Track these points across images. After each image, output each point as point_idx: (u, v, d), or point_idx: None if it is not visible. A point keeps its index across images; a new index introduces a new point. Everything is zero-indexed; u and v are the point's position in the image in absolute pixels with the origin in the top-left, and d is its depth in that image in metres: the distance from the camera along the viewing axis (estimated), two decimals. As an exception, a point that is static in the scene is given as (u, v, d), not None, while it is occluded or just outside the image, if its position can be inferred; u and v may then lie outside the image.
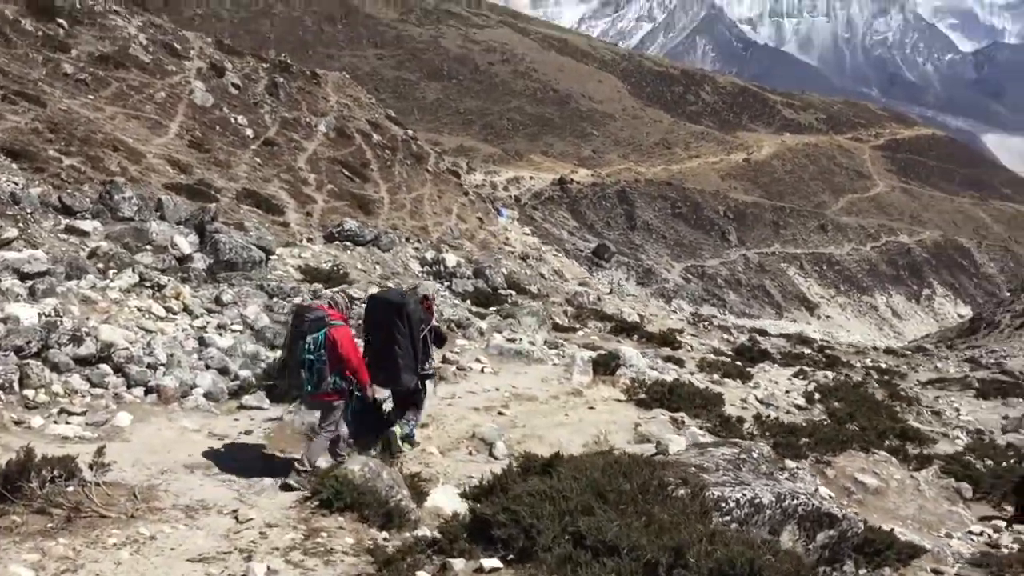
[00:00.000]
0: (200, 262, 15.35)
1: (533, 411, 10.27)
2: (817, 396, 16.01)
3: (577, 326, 22.00)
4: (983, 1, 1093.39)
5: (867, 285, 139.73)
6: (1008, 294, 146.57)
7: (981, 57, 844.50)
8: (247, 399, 10.22)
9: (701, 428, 9.89)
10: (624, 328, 23.61)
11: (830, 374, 20.43)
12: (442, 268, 25.13)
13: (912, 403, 19.84)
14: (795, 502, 6.20)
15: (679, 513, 5.31)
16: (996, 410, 21.99)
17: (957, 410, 20.05)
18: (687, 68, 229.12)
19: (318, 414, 8.50)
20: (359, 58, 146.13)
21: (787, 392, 16.35)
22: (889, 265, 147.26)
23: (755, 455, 7.08)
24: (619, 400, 10.97)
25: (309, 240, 24.39)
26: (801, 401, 15.30)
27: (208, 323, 12.48)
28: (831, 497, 7.21)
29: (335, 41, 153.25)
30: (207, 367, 10.74)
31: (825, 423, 12.79)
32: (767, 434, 10.98)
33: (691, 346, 22.39)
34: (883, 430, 13.53)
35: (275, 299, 14.51)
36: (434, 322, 9.79)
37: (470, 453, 8.76)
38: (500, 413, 9.93)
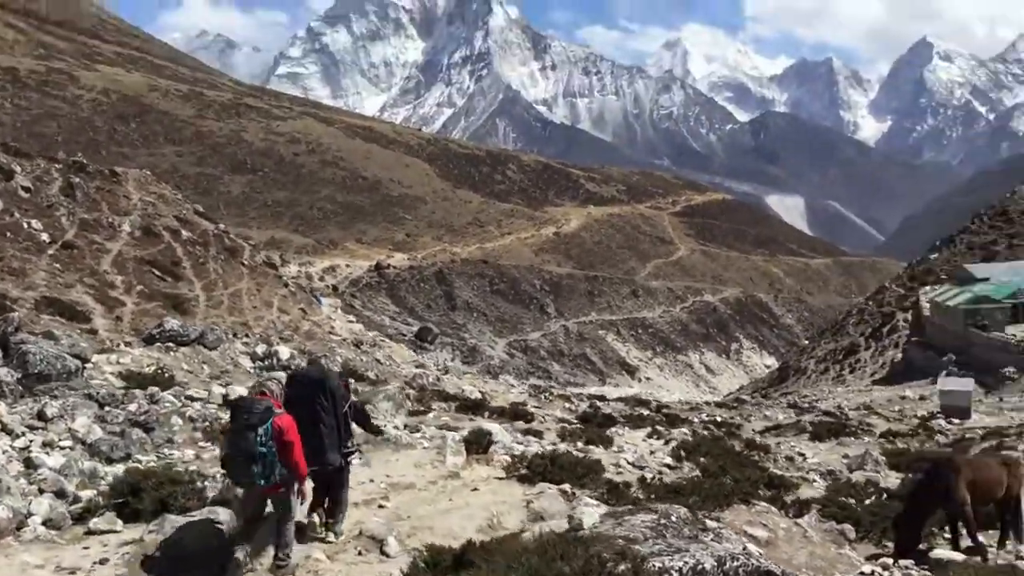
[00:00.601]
0: (7, 376, 13.58)
1: (415, 500, 9.51)
2: (683, 453, 16.02)
3: (422, 408, 21.27)
4: (753, 75, 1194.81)
5: (681, 345, 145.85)
6: (807, 342, 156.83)
7: (757, 126, 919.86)
8: (95, 523, 8.76)
9: (591, 498, 9.45)
10: (469, 406, 23.07)
11: (686, 431, 20.62)
12: (275, 361, 23.81)
13: (768, 451, 20.34)
14: (735, 564, 5.80)
15: None
16: (834, 450, 22.92)
17: (802, 455, 20.65)
18: (491, 149, 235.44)
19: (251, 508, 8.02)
20: (156, 156, 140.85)
21: (652, 452, 16.27)
22: (698, 324, 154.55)
23: (674, 518, 6.68)
24: (500, 478, 10.37)
25: (127, 344, 22.51)
26: (669, 460, 15.21)
27: (32, 441, 10.90)
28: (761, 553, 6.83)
29: (129, 140, 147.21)
30: (40, 491, 9.25)
31: (701, 479, 12.69)
32: (652, 497, 10.68)
33: (543, 417, 22.10)
34: (755, 480, 13.61)
35: (107, 408, 13.01)
36: (352, 399, 9.40)
37: (360, 553, 7.86)
38: (381, 506, 9.13)
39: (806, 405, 47.01)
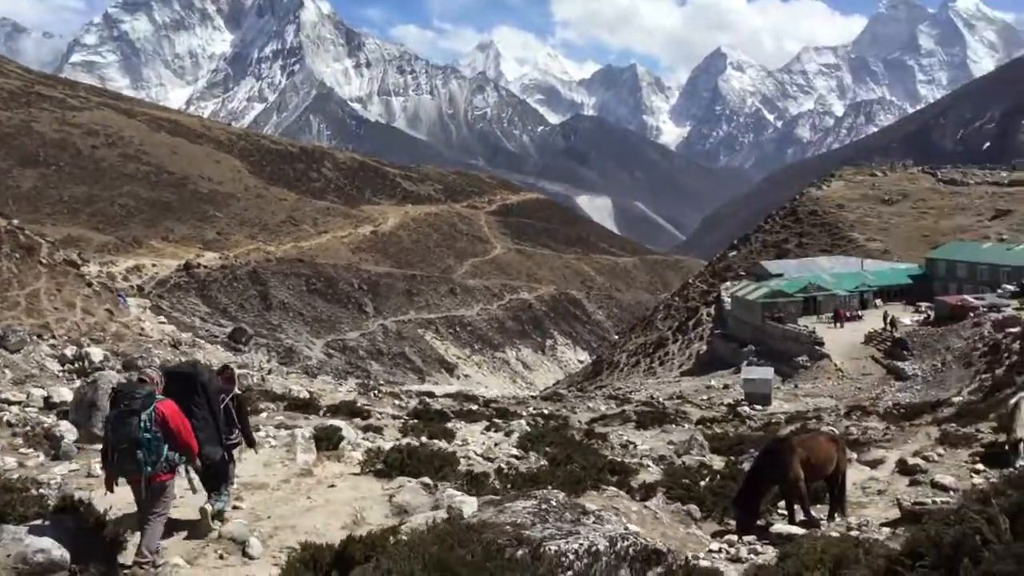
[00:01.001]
0: None
1: (271, 499, 9.13)
2: (528, 444, 16.25)
3: (251, 408, 20.52)
4: (563, 79, 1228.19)
5: (498, 342, 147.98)
6: (617, 337, 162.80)
7: (567, 128, 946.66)
8: None
9: (454, 489, 9.40)
10: (300, 405, 22.45)
11: (524, 423, 20.90)
12: (87, 364, 22.24)
13: (605, 439, 20.96)
14: (626, 543, 5.91)
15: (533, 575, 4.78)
16: (659, 437, 23.93)
17: (632, 443, 21.42)
18: (305, 146, 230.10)
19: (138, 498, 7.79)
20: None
21: (496, 444, 16.39)
22: (515, 321, 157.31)
23: (554, 503, 6.73)
24: (355, 474, 10.14)
25: (-86, 350, 20.40)
26: (515, 451, 15.38)
27: None
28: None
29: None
30: None
31: (552, 467, 12.92)
32: (510, 487, 10.76)
33: (378, 414, 21.79)
34: (600, 467, 14.00)
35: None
36: (236, 391, 9.41)
37: (221, 557, 7.44)
38: (235, 507, 8.69)
39: (623, 396, 48.83)
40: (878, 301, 78.33)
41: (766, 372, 53.16)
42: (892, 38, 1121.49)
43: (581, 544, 5.67)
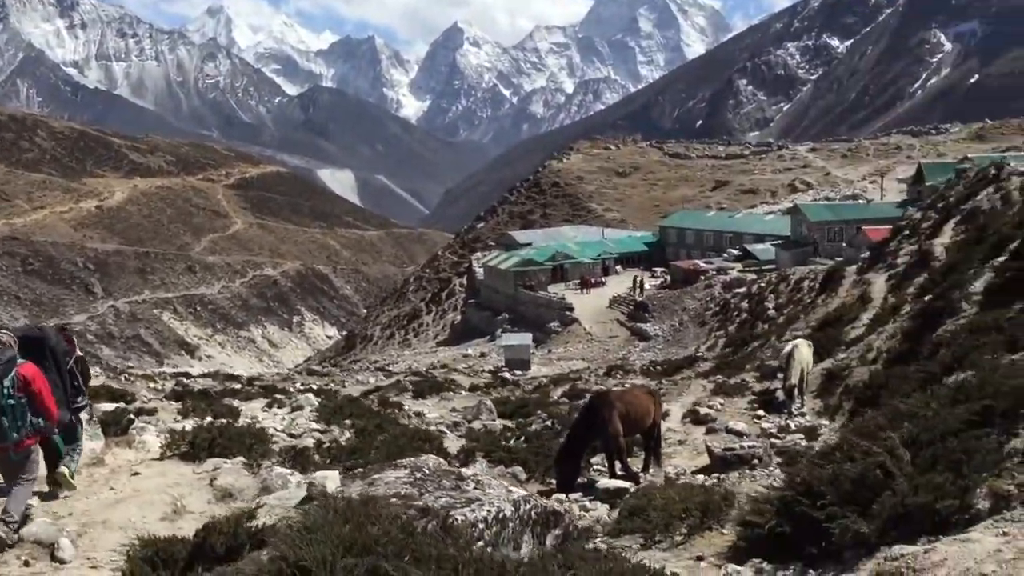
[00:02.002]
0: None
1: (67, 493, 7.84)
2: (328, 417, 15.34)
3: None
4: (300, 49, 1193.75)
5: (242, 320, 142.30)
6: (366, 311, 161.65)
7: (306, 100, 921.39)
8: None
9: (280, 467, 8.51)
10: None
11: (312, 397, 19.80)
12: None
13: (401, 409, 20.35)
14: (528, 507, 5.44)
15: (456, 548, 4.20)
16: (441, 405, 23.72)
17: (420, 412, 21.02)
18: (14, 113, 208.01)
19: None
20: None
21: (293, 420, 15.31)
22: (259, 298, 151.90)
23: (427, 471, 6.14)
24: (156, 460, 8.95)
25: None
26: (315, 425, 14.42)
27: None
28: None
29: None
30: None
31: (366, 438, 12.19)
32: (333, 461, 9.95)
33: (144, 398, 19.86)
34: (410, 435, 13.45)
35: None
36: (78, 353, 9.11)
37: (27, 563, 6.15)
38: (27, 504, 7.33)
39: (387, 369, 48.32)
40: (619, 268, 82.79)
41: (524, 338, 54.59)
42: (615, 20, 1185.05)
43: (488, 511, 5.17)
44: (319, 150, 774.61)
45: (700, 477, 11.31)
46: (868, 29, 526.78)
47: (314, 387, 29.90)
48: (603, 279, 77.71)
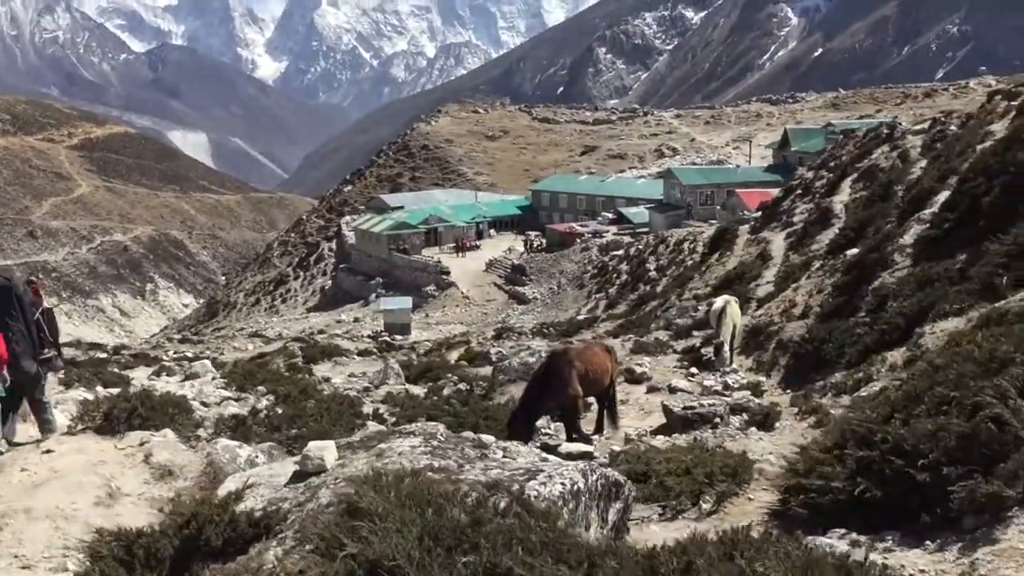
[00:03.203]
0: None
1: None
2: (239, 383, 13.80)
3: None
4: (146, 4, 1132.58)
5: (90, 289, 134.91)
6: (223, 278, 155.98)
7: (154, 58, 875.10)
8: None
9: (225, 438, 7.23)
10: None
11: (208, 364, 18.03)
12: None
13: (307, 372, 18.90)
14: (595, 478, 4.44)
15: (553, 534, 3.20)
16: (337, 371, 22.31)
17: (327, 377, 19.64)
18: None
19: None
20: None
21: (199, 388, 13.67)
22: (108, 265, 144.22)
23: (442, 438, 5.05)
24: (67, 434, 7.49)
25: None
26: (228, 392, 12.88)
27: None
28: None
29: None
30: None
31: (290, 406, 10.84)
32: (274, 431, 8.64)
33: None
34: (340, 401, 12.16)
35: None
36: (45, 305, 9.08)
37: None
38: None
39: (261, 334, 46.13)
40: (492, 231, 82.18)
41: (404, 302, 53.29)
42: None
43: (564, 485, 4.16)
44: (169, 111, 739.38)
45: (660, 437, 10.57)
46: (721, 2, 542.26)
47: (189, 355, 27.94)
48: (478, 243, 76.96)
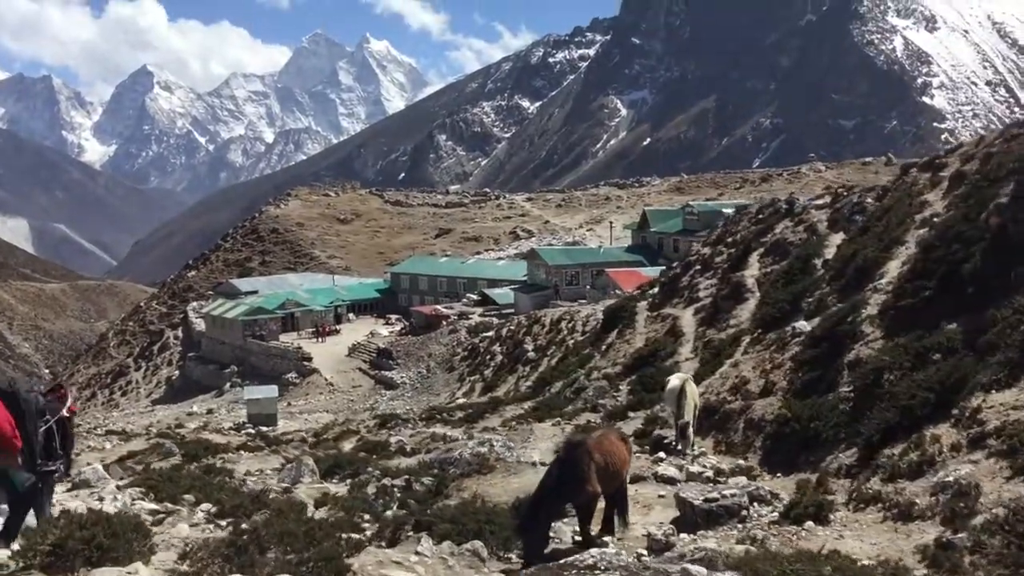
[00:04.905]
0: None
1: None
2: (159, 490, 11.43)
3: None
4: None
5: None
6: (48, 371, 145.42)
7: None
8: None
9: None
10: None
11: (99, 467, 15.34)
12: None
13: (231, 475, 16.32)
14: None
15: None
16: (263, 461, 19.84)
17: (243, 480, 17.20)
18: None
19: None
20: None
21: (98, 496, 11.22)
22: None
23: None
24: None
25: None
26: (148, 503, 10.53)
27: None
28: None
29: None
30: None
31: (263, 528, 8.79)
32: (244, 568, 6.66)
33: None
34: (292, 506, 10.02)
35: None
36: (64, 413, 8.45)
37: None
38: None
39: (119, 431, 41.92)
40: (351, 315, 79.72)
41: (270, 391, 50.06)
42: (315, 71, 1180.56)
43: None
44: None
45: (684, 536, 9.23)
46: (555, 93, 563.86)
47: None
48: (337, 327, 74.31)
